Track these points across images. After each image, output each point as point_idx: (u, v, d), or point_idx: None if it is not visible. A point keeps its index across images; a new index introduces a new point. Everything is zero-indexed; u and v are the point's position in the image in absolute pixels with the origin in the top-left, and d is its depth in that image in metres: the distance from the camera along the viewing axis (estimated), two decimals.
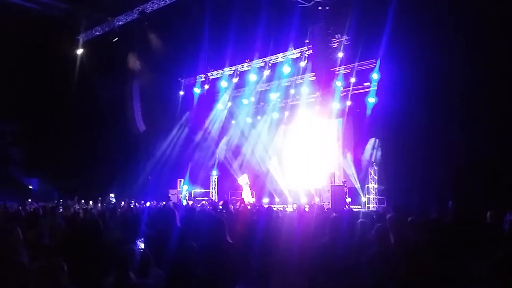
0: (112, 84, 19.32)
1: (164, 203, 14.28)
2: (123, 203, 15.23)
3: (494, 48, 11.46)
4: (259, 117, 21.43)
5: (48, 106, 21.03)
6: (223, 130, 22.00)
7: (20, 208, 11.39)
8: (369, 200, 16.07)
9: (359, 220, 5.31)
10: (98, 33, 20.00)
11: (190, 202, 16.81)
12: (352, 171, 17.73)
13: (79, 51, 20.03)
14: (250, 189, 18.92)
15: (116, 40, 19.09)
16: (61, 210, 9.90)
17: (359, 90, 17.42)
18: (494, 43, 11.42)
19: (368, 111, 16.49)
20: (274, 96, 19.89)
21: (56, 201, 16.37)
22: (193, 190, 20.23)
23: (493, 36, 11.44)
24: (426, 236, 4.70)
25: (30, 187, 22.45)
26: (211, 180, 21.50)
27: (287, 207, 15.10)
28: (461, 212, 6.66)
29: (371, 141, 16.97)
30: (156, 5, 17.54)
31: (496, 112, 11.78)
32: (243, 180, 18.74)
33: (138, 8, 18.06)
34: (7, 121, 23.21)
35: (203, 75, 21.32)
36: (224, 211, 9.28)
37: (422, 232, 4.84)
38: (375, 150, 16.72)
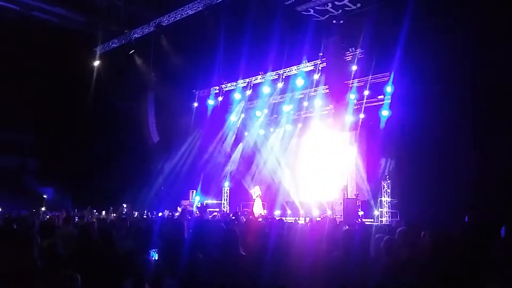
0: (127, 96, 19.59)
1: (178, 212, 14.33)
2: (136, 213, 15.32)
3: (510, 61, 11.35)
4: (272, 129, 21.46)
5: (64, 117, 21.35)
6: (236, 142, 22.06)
7: (35, 217, 11.52)
8: (382, 213, 15.92)
9: (377, 235, 5.29)
10: (115, 46, 20.35)
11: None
12: (365, 184, 17.60)
13: (96, 63, 20.37)
14: (262, 201, 18.88)
15: (132, 52, 19.40)
16: (76, 220, 9.99)
17: (373, 103, 17.36)
18: (510, 55, 11.31)
19: (382, 124, 16.41)
20: (287, 108, 19.92)
21: (70, 211, 16.52)
22: (205, 201, 20.25)
23: (510, 48, 11.35)
24: (440, 250, 4.65)
25: (45, 196, 22.70)
26: (223, 191, 21.51)
27: (299, 219, 15.04)
28: (477, 226, 6.56)
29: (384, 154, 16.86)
30: (172, 18, 17.83)
31: None
32: (256, 192, 18.73)
33: (155, 21, 18.38)
34: (23, 132, 23.62)
35: (217, 87, 21.46)
36: (236, 222, 9.29)
37: (436, 246, 4.79)
38: (388, 163, 16.59)
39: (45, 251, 4.74)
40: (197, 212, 14.75)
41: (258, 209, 18.03)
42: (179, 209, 18.76)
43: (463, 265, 4.22)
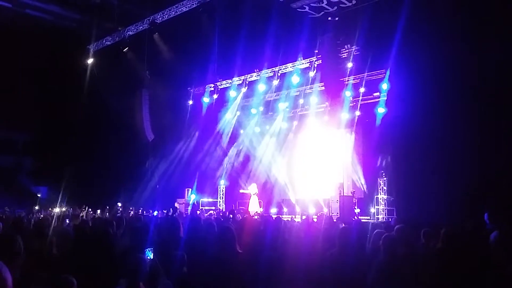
0: (121, 93, 19.48)
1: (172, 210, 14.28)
2: (132, 212, 15.25)
3: (507, 56, 11.32)
4: (267, 127, 21.41)
5: (58, 116, 21.23)
6: (232, 140, 22.00)
7: (29, 216, 11.44)
8: (378, 211, 15.93)
9: (376, 231, 5.27)
10: (108, 43, 20.23)
11: (198, 212, 16.77)
12: (361, 182, 17.61)
13: (90, 61, 20.23)
14: (258, 199, 18.85)
15: (126, 50, 19.28)
16: (67, 221, 9.89)
17: (369, 100, 17.33)
18: (507, 51, 11.29)
19: (378, 121, 16.40)
20: (283, 106, 19.88)
21: (64, 210, 16.43)
22: (200, 200, 20.20)
23: (506, 44, 11.34)
24: (439, 247, 4.63)
25: (39, 195, 22.59)
26: (219, 189, 21.46)
27: (295, 217, 15.02)
28: (477, 223, 6.55)
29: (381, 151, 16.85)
30: (166, 16, 17.73)
31: (511, 121, 11.62)
32: (252, 190, 18.70)
33: (149, 18, 18.26)
34: (18, 131, 23.49)
35: (212, 85, 21.39)
36: (231, 220, 9.26)
37: (435, 243, 4.77)
38: (384, 160, 16.58)
39: (38, 252, 4.68)
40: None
41: (255, 207, 18.00)
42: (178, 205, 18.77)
43: (470, 264, 4.20)
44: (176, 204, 19.08)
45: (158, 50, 18.53)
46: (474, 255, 4.48)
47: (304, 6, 15.01)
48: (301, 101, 19.43)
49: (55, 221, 8.84)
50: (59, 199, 17.21)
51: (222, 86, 21.33)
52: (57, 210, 15.58)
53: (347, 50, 17.04)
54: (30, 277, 3.79)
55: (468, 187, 11.69)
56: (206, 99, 21.31)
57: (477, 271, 4.21)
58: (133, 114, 20.64)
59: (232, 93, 20.57)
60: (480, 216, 7.73)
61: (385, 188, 16.04)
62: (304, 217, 12.10)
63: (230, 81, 20.81)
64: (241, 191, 19.96)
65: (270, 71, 19.35)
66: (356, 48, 16.59)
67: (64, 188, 17.95)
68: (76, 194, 18.27)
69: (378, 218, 15.44)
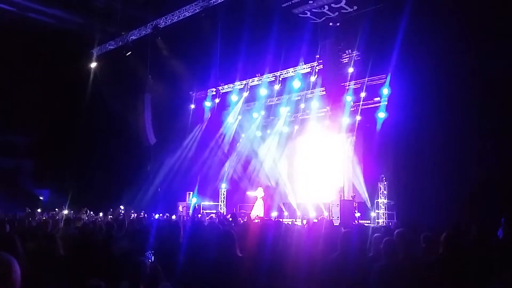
0: (124, 97, 19.55)
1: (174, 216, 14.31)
2: (133, 215, 15.29)
3: (508, 60, 11.36)
4: (268, 131, 21.44)
5: (60, 119, 21.28)
6: (233, 144, 22.05)
7: (31, 219, 11.48)
8: (379, 215, 15.94)
9: (375, 235, 5.30)
10: (111, 47, 20.33)
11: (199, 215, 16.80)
12: (361, 186, 17.61)
13: (93, 65, 20.32)
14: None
15: (129, 54, 19.37)
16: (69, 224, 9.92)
17: (369, 105, 17.37)
18: (508, 55, 11.33)
19: (378, 126, 16.43)
20: (284, 110, 19.93)
21: (66, 212, 16.48)
22: (202, 203, 20.22)
23: (507, 49, 11.38)
24: (439, 252, 4.65)
25: (41, 198, 22.62)
26: (220, 193, 21.49)
27: (296, 221, 15.04)
28: (478, 228, 6.56)
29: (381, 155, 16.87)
30: (169, 20, 17.83)
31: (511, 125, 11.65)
32: (259, 193, 18.75)
33: (152, 23, 18.37)
34: (19, 133, 23.53)
35: (214, 89, 21.46)
36: (233, 224, 9.29)
37: (435, 248, 4.79)
38: (384, 165, 16.58)
39: (39, 254, 4.72)
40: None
41: (259, 211, 18.06)
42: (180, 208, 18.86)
43: (462, 267, 4.22)
44: (180, 208, 19.19)
45: (161, 54, 18.62)
46: (477, 260, 4.51)
47: (305, 11, 15.07)
48: (302, 105, 19.48)
49: (57, 223, 8.89)
50: (62, 202, 17.25)
51: (224, 91, 21.41)
52: (59, 212, 15.61)
53: (348, 55, 17.12)
54: (31, 279, 3.82)
55: (469, 191, 11.72)
56: (208, 103, 21.39)
57: (479, 276, 4.24)
58: (135, 117, 20.70)
59: (233, 97, 20.66)
60: (483, 219, 7.76)
61: (385, 192, 16.06)
62: (304, 221, 12.13)
63: (232, 85, 20.89)
64: (248, 193, 19.98)
65: (271, 75, 19.45)
66: (357, 53, 16.67)
67: (66, 191, 18.01)
68: (78, 197, 18.31)
69: (378, 222, 15.44)
